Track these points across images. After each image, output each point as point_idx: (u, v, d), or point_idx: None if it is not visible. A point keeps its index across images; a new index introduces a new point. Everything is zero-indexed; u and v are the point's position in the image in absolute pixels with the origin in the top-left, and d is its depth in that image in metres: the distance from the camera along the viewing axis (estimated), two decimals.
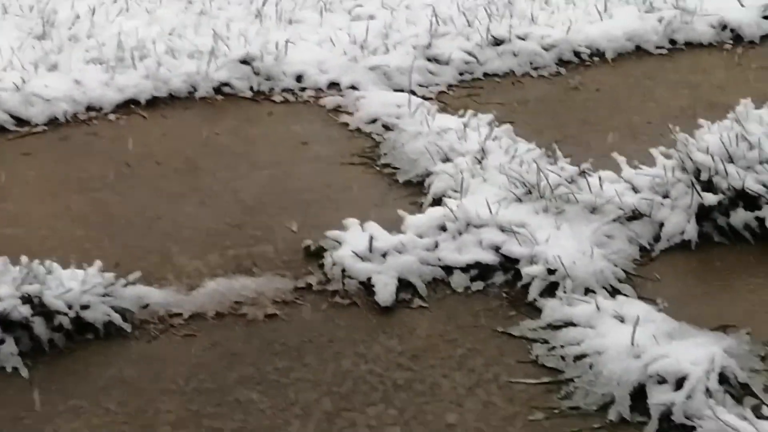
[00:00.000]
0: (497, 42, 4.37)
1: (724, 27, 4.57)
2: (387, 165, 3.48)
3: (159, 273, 2.81)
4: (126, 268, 2.74)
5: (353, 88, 4.07)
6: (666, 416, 2.23)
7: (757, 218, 2.96)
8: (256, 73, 4.11)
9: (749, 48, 4.47)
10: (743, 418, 2.10)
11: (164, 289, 2.73)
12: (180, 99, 3.99)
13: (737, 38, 4.52)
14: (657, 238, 2.97)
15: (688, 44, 4.47)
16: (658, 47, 4.45)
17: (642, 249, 2.93)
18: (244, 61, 4.13)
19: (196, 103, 3.97)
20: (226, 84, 4.06)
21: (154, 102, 3.95)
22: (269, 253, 2.92)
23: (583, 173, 3.14)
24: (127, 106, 3.92)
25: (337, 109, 3.93)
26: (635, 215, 3.01)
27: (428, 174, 3.31)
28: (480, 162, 3.27)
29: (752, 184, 2.98)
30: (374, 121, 3.78)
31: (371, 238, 2.84)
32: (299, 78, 4.14)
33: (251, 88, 4.07)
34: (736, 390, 2.28)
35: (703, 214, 2.98)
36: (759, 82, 4.11)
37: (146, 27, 4.43)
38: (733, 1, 4.65)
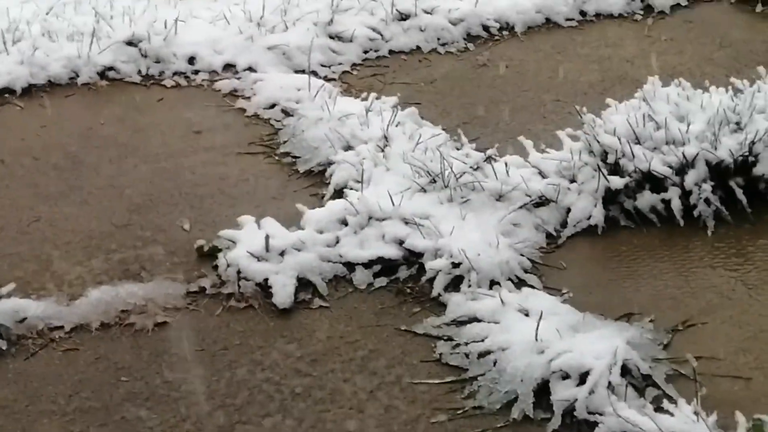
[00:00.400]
0: (403, 17, 4.42)
1: None
2: (286, 154, 3.50)
3: (37, 282, 2.79)
4: None
5: (250, 69, 4.07)
6: (569, 412, 2.33)
7: (663, 200, 3.10)
8: (144, 56, 4.07)
9: (660, 19, 4.62)
10: (643, 414, 2.21)
11: (43, 300, 2.71)
12: (60, 86, 3.93)
13: (648, 8, 4.67)
14: (564, 224, 3.08)
15: (599, 15, 4.61)
16: (568, 19, 4.57)
17: (549, 236, 3.04)
18: (131, 43, 4.08)
19: (78, 90, 3.92)
20: (110, 68, 4.02)
21: (30, 90, 3.88)
22: (159, 256, 2.92)
23: (488, 159, 3.23)
24: (1, 95, 3.84)
25: (233, 94, 3.93)
26: (542, 201, 3.12)
27: (329, 163, 3.36)
28: (383, 150, 3.33)
29: (658, 166, 3.11)
30: (273, 106, 3.80)
31: (267, 237, 2.87)
32: (192, 60, 4.12)
33: (139, 72, 4.04)
34: (638, 381, 2.40)
35: (609, 197, 3.10)
36: (668, 54, 4.27)
37: (19, 6, 4.34)
38: None
